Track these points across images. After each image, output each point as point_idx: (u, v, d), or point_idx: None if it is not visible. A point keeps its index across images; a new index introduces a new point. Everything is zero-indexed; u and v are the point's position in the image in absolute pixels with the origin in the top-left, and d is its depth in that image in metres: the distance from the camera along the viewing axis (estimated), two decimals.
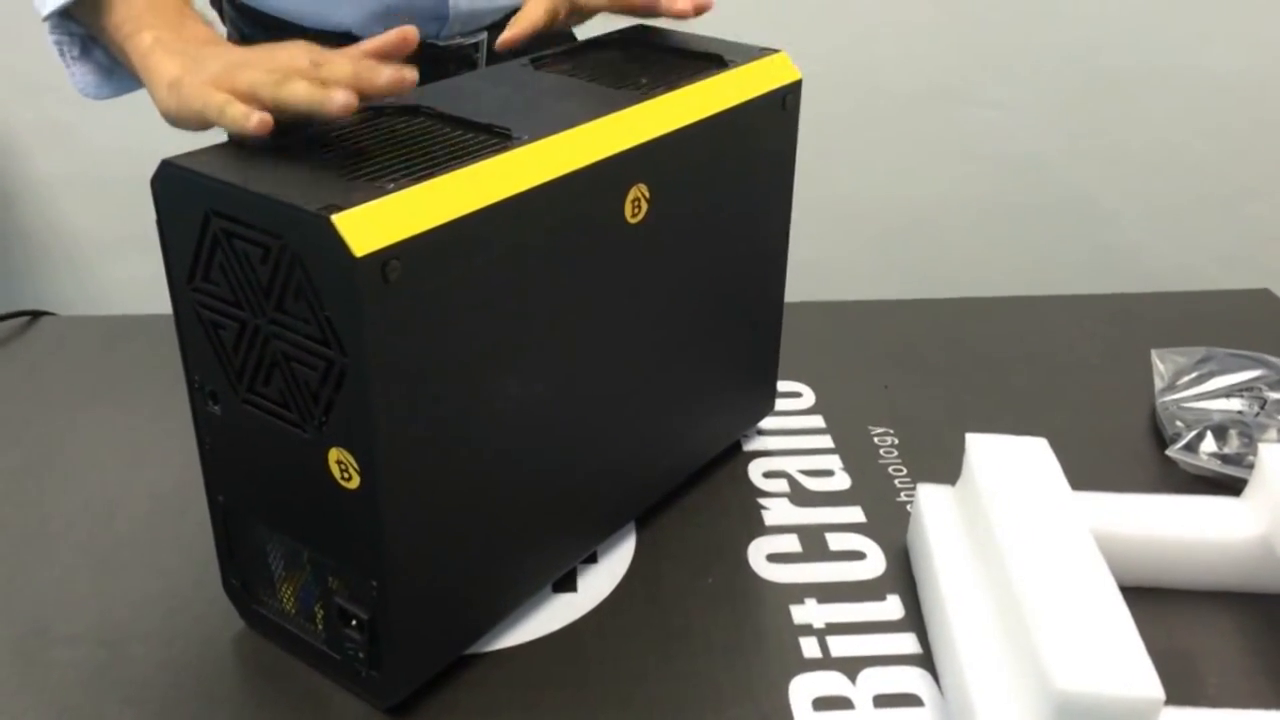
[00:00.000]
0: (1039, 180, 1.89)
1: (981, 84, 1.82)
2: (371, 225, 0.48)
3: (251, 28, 0.91)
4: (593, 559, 0.69)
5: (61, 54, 0.75)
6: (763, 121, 0.68)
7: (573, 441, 0.63)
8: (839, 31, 1.75)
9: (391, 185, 0.50)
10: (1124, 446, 0.80)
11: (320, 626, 0.59)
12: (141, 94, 0.88)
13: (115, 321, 0.95)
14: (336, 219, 0.47)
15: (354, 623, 0.56)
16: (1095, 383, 0.88)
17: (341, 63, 0.57)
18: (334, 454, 0.53)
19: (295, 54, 0.58)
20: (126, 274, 1.81)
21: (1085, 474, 0.68)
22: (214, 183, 0.51)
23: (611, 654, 0.63)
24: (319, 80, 0.55)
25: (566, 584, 0.67)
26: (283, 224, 0.49)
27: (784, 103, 0.69)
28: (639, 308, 0.64)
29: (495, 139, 0.56)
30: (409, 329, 0.51)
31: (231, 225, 0.51)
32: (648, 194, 0.61)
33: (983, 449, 0.66)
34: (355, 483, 0.52)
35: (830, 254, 1.64)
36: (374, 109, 0.59)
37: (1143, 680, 0.52)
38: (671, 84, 0.64)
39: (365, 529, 0.54)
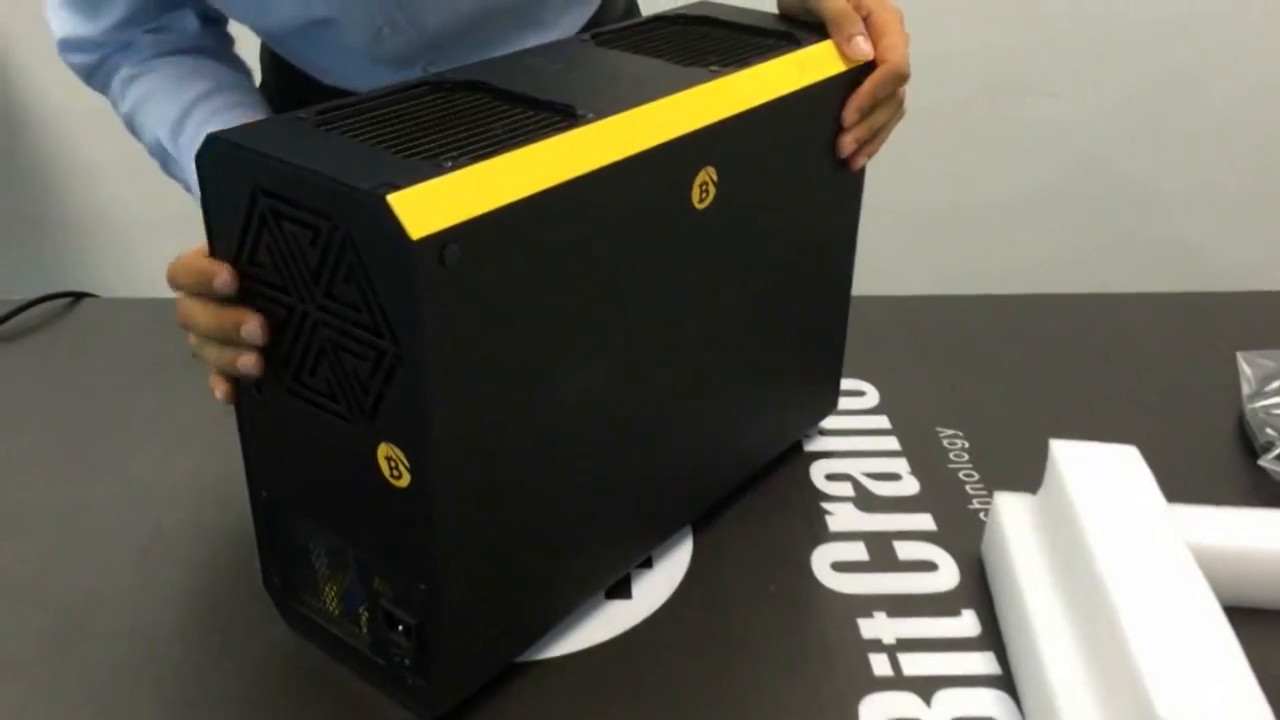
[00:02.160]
0: (1099, 173, 1.84)
1: (1043, 75, 1.77)
2: (429, 206, 0.45)
3: (278, 80, 0.91)
4: (648, 564, 0.66)
5: None
6: (836, 103, 0.64)
7: (630, 439, 0.60)
8: None
9: (449, 164, 0.47)
10: (1211, 455, 0.75)
11: (365, 630, 0.56)
12: None
13: (158, 304, 0.93)
14: (392, 199, 0.44)
15: (400, 628, 0.53)
16: (1176, 386, 0.83)
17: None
18: (383, 450, 0.49)
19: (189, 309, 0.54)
20: (170, 258, 1.80)
21: (1173, 484, 0.63)
22: (262, 159, 0.48)
23: (667, 665, 0.59)
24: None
25: (620, 590, 0.64)
26: (334, 203, 0.46)
27: (858, 83, 0.65)
28: (702, 299, 0.61)
29: (559, 117, 0.53)
30: (466, 318, 0.47)
31: (280, 204, 0.48)
32: (716, 178, 0.58)
33: (1070, 457, 0.62)
34: (405, 481, 0.49)
35: (889, 247, 1.60)
36: (430, 84, 0.56)
37: (1253, 710, 0.47)
38: (743, 62, 0.61)
39: (415, 530, 0.50)
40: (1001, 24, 1.73)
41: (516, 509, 0.54)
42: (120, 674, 0.58)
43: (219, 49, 0.85)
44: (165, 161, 0.82)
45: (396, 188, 0.44)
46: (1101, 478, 0.61)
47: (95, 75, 0.83)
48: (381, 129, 0.51)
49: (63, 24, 0.81)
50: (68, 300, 0.93)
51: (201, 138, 0.50)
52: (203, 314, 0.53)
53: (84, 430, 0.77)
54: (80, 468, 0.74)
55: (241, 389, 0.55)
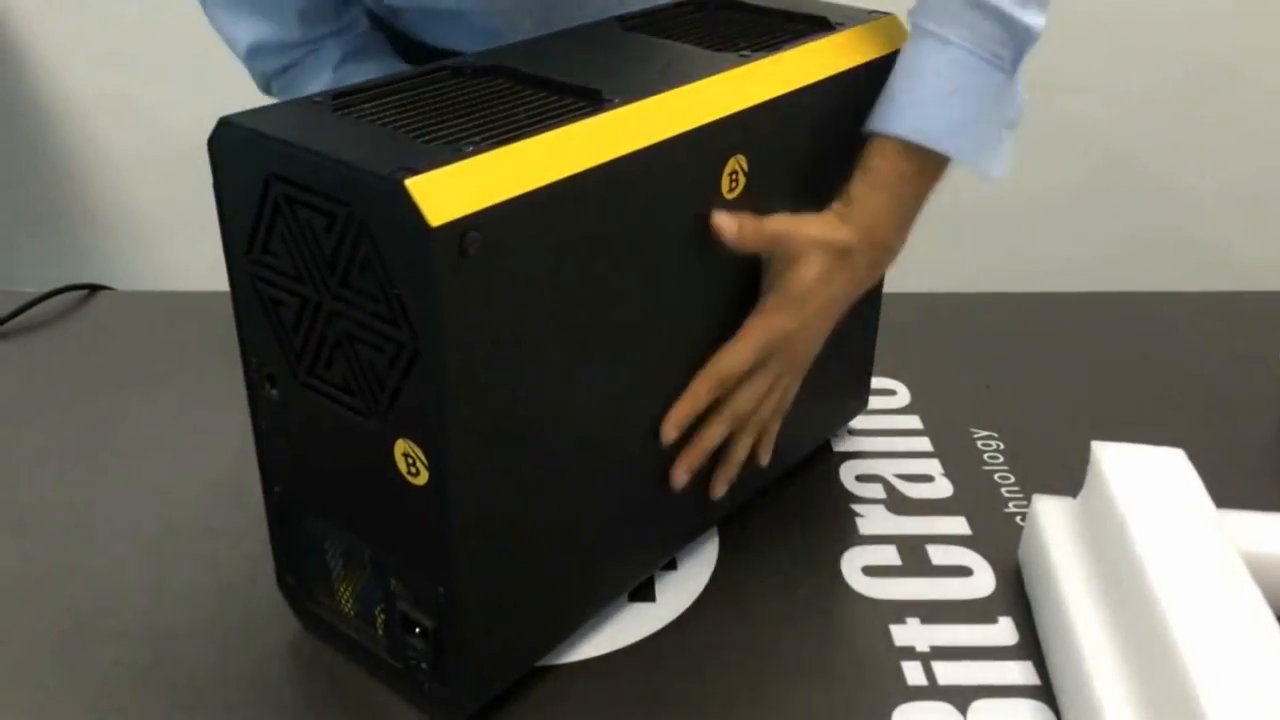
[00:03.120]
0: (1128, 170, 1.81)
1: (1073, 71, 1.74)
2: (449, 191, 0.43)
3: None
4: (672, 566, 0.64)
5: None
6: (872, 89, 0.62)
7: (655, 436, 0.57)
8: None
9: (470, 148, 0.45)
10: (1257, 459, 0.73)
11: (381, 632, 0.54)
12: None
13: (174, 298, 0.92)
14: (410, 184, 0.42)
15: (417, 630, 0.52)
16: (1218, 388, 0.81)
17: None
18: (400, 445, 0.48)
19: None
20: (189, 252, 1.80)
21: (1219, 488, 0.61)
22: (275, 143, 0.46)
23: (692, 671, 0.57)
24: None
25: (644, 593, 0.62)
26: (350, 189, 0.44)
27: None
28: (730, 292, 0.59)
29: (584, 101, 0.51)
30: (487, 308, 0.45)
31: (294, 190, 0.46)
32: (746, 166, 0.56)
33: (1114, 459, 0.59)
34: (423, 478, 0.47)
35: (920, 244, 1.58)
36: (449, 68, 0.54)
37: None
38: (774, 47, 0.58)
39: (433, 529, 0.49)
40: None
41: (537, 507, 0.52)
42: (130, 674, 0.57)
43: (383, 47, 0.85)
44: None
45: (414, 172, 0.42)
46: (1147, 481, 0.58)
47: (280, 79, 0.82)
48: (400, 114, 0.49)
49: (250, 30, 0.79)
50: (84, 293, 0.91)
51: None
52: None
53: (97, 425, 0.76)
54: (92, 463, 0.72)
55: (255, 383, 0.53)
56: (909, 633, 0.60)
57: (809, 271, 0.58)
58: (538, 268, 0.47)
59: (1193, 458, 0.61)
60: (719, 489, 0.62)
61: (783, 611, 0.61)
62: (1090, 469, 0.61)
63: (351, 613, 0.55)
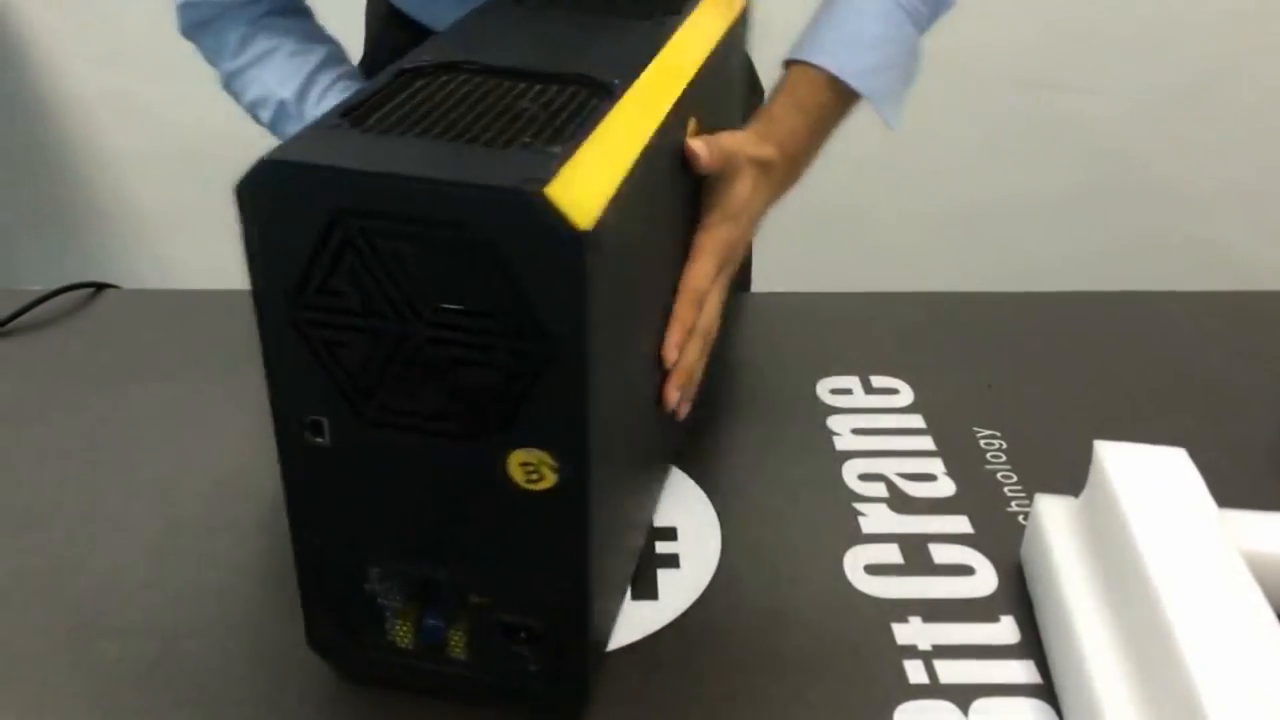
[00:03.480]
0: (1131, 169, 1.81)
1: (1074, 70, 1.74)
2: (576, 195, 0.43)
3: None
4: (675, 563, 0.64)
5: None
6: (739, 38, 0.67)
7: (655, 370, 0.59)
8: None
9: (556, 149, 0.45)
10: (1260, 458, 0.73)
11: (461, 651, 0.53)
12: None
13: (179, 296, 0.92)
14: (549, 193, 0.41)
15: (523, 635, 0.51)
16: (1221, 387, 0.81)
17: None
18: (518, 456, 0.47)
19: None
20: (194, 249, 1.80)
21: (1221, 488, 0.61)
22: (345, 175, 0.43)
23: (694, 669, 0.57)
24: None
25: (647, 591, 0.62)
26: (465, 208, 0.42)
27: (745, 18, 0.68)
28: (686, 220, 0.62)
29: (586, 89, 0.51)
30: (607, 300, 0.46)
31: (373, 222, 0.43)
32: (695, 129, 0.59)
33: (1116, 458, 0.59)
34: (548, 482, 0.47)
35: (920, 242, 1.58)
36: (408, 71, 0.53)
37: None
38: (673, 10, 0.61)
39: (557, 529, 0.48)
40: (1032, 19, 1.70)
41: (623, 479, 0.53)
42: (133, 671, 0.57)
43: (309, 12, 0.88)
44: (279, 120, 0.84)
45: (544, 181, 0.42)
46: (1149, 481, 0.58)
47: (205, 29, 0.84)
48: (423, 123, 0.48)
49: None
50: (89, 291, 0.92)
51: (329, 102, 0.48)
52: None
53: (101, 423, 0.76)
54: (96, 461, 0.73)
55: (291, 434, 0.50)
56: (911, 631, 0.60)
57: (744, 186, 0.63)
58: (625, 254, 0.49)
59: (1195, 457, 0.61)
60: (685, 408, 0.63)
61: (785, 610, 0.61)
62: (1092, 468, 0.61)
63: (411, 645, 0.53)
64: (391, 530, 0.51)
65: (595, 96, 0.50)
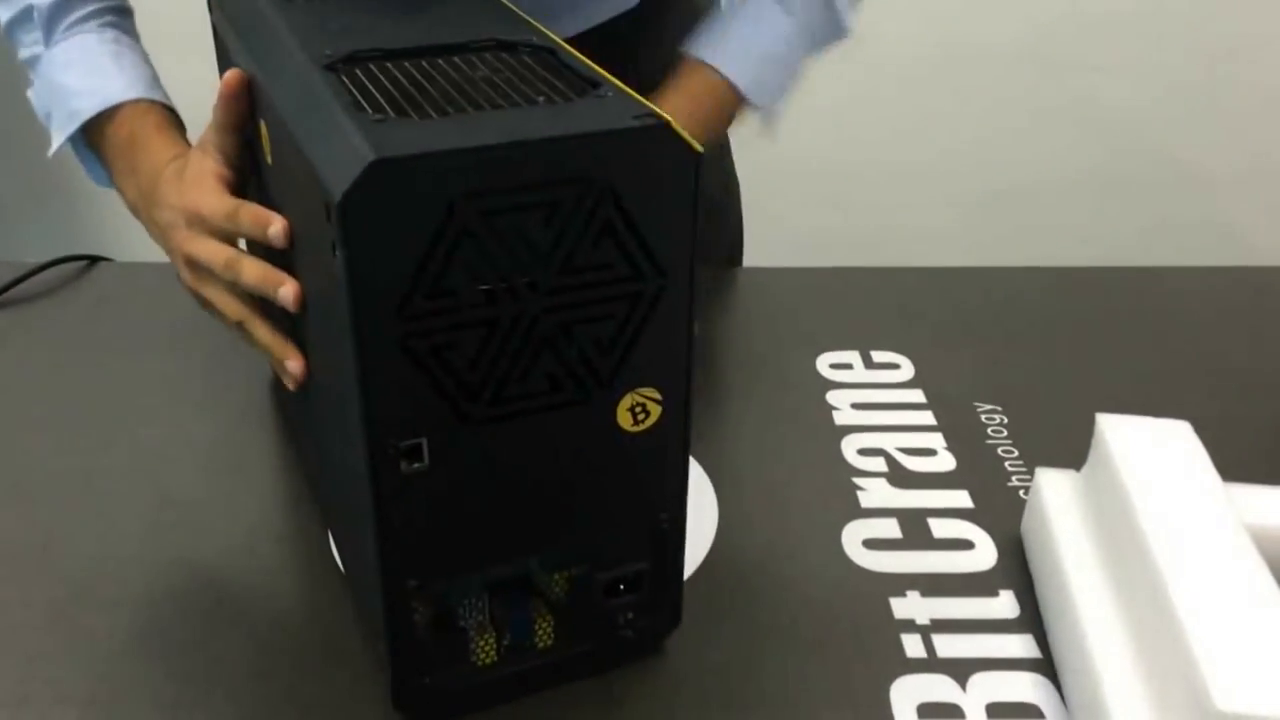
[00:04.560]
0: (1144, 149, 1.79)
1: (1089, 50, 1.72)
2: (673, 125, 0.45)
3: None
4: None
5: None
6: None
7: None
8: None
9: (610, 92, 0.46)
10: (1268, 434, 0.72)
11: (548, 638, 0.52)
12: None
13: (173, 269, 0.91)
14: (666, 122, 0.43)
15: (622, 588, 0.52)
16: (1227, 362, 0.79)
17: (250, 267, 0.55)
18: (627, 400, 0.48)
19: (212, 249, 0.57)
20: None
21: (1227, 463, 0.60)
22: (467, 156, 0.41)
23: (691, 644, 0.57)
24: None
25: None
26: (593, 158, 0.43)
27: None
28: None
29: (513, 49, 0.52)
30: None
31: (493, 200, 0.42)
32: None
33: (1118, 431, 0.58)
34: (653, 417, 0.49)
35: (927, 219, 1.56)
36: (366, 57, 0.52)
37: None
38: None
39: (657, 462, 0.50)
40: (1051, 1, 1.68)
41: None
42: (126, 642, 0.57)
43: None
44: (16, 26, 0.74)
45: (652, 116, 0.44)
46: (1152, 454, 0.57)
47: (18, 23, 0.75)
48: (452, 102, 0.46)
49: None
50: (82, 263, 0.91)
51: (87, 38, 0.49)
52: (253, 267, 0.52)
53: (94, 395, 0.76)
54: (90, 433, 0.72)
55: (389, 471, 0.46)
56: (909, 605, 0.59)
57: None
58: None
59: (1201, 432, 0.60)
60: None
61: (782, 584, 0.60)
62: (1095, 441, 0.60)
63: (493, 659, 0.52)
64: (489, 538, 0.49)
65: (533, 57, 0.50)
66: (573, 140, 0.42)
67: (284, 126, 0.49)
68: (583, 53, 0.52)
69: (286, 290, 0.51)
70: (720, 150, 0.96)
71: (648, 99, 0.47)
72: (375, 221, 0.41)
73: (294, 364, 0.54)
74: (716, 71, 0.68)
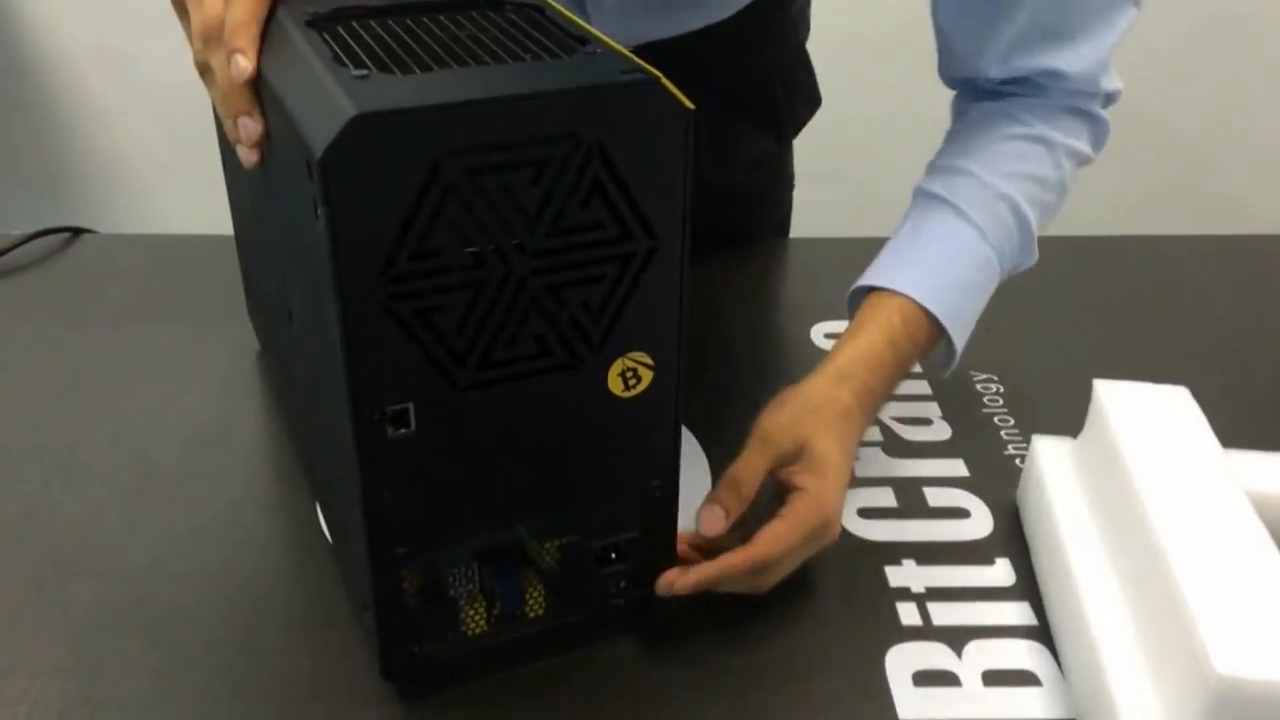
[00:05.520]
0: (1139, 120, 1.78)
1: None
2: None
3: None
4: None
5: None
6: None
7: None
8: None
9: (599, 50, 0.45)
10: (1265, 401, 0.71)
11: (539, 608, 0.52)
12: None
13: (156, 241, 0.90)
14: (657, 80, 0.42)
15: (614, 556, 0.52)
16: (1226, 330, 0.79)
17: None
18: (618, 365, 0.47)
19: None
20: (171, 198, 1.78)
21: (1226, 430, 0.59)
22: (453, 111, 0.40)
23: (686, 616, 0.56)
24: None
25: None
26: (582, 115, 0.41)
27: None
28: None
29: (498, 6, 0.50)
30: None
31: (479, 159, 0.41)
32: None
33: (1116, 397, 0.58)
34: (645, 382, 0.48)
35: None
36: (367, 10, 0.51)
37: None
38: None
39: (648, 428, 0.49)
40: None
41: None
42: (107, 614, 0.56)
43: None
44: None
45: (639, 72, 0.42)
46: (1150, 420, 0.57)
47: None
48: (437, 59, 0.45)
49: None
50: (66, 236, 0.90)
51: None
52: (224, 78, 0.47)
53: (78, 367, 0.75)
54: (73, 405, 0.71)
55: (374, 437, 0.45)
56: (904, 574, 0.58)
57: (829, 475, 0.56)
58: None
59: (1200, 400, 0.59)
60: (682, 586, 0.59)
61: None
62: (1092, 407, 0.59)
63: (484, 628, 0.51)
64: (479, 506, 0.49)
65: (519, 14, 0.49)
66: (561, 96, 0.41)
67: (268, 84, 0.48)
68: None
69: (248, 124, 0.47)
70: (780, 145, 0.91)
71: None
72: (357, 179, 0.39)
73: (251, 123, 0.48)
74: (919, 306, 0.60)
